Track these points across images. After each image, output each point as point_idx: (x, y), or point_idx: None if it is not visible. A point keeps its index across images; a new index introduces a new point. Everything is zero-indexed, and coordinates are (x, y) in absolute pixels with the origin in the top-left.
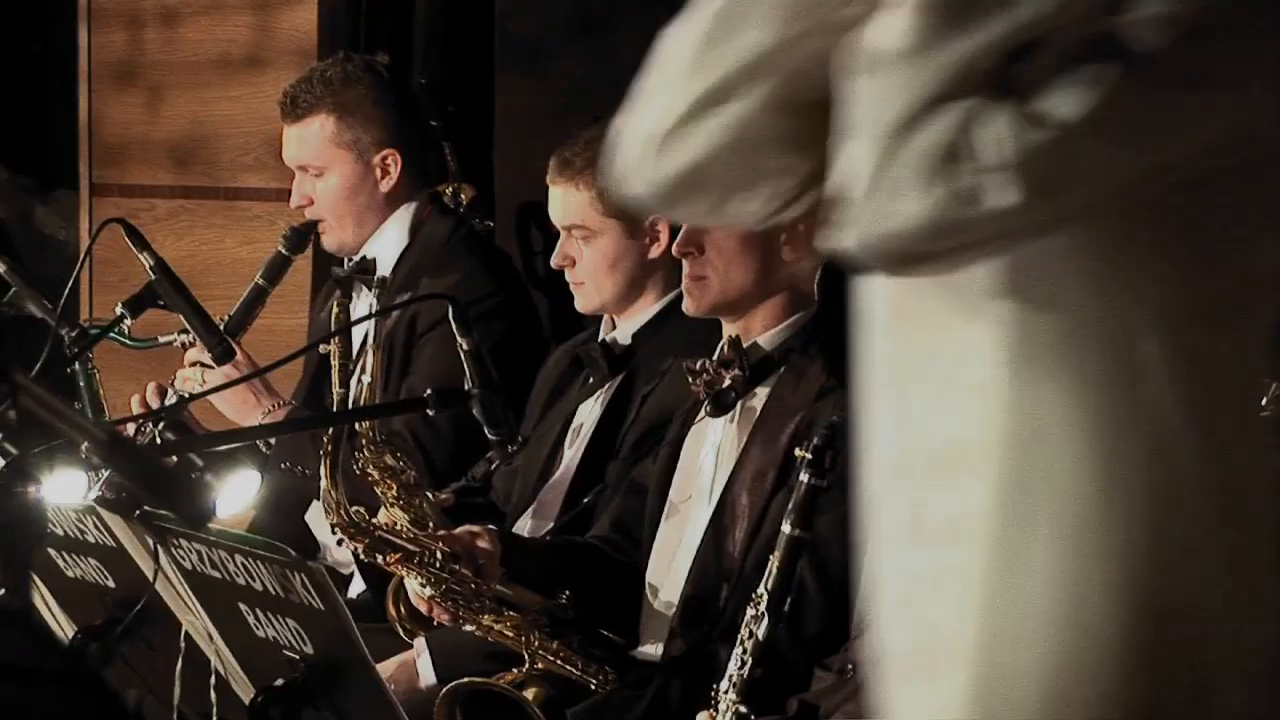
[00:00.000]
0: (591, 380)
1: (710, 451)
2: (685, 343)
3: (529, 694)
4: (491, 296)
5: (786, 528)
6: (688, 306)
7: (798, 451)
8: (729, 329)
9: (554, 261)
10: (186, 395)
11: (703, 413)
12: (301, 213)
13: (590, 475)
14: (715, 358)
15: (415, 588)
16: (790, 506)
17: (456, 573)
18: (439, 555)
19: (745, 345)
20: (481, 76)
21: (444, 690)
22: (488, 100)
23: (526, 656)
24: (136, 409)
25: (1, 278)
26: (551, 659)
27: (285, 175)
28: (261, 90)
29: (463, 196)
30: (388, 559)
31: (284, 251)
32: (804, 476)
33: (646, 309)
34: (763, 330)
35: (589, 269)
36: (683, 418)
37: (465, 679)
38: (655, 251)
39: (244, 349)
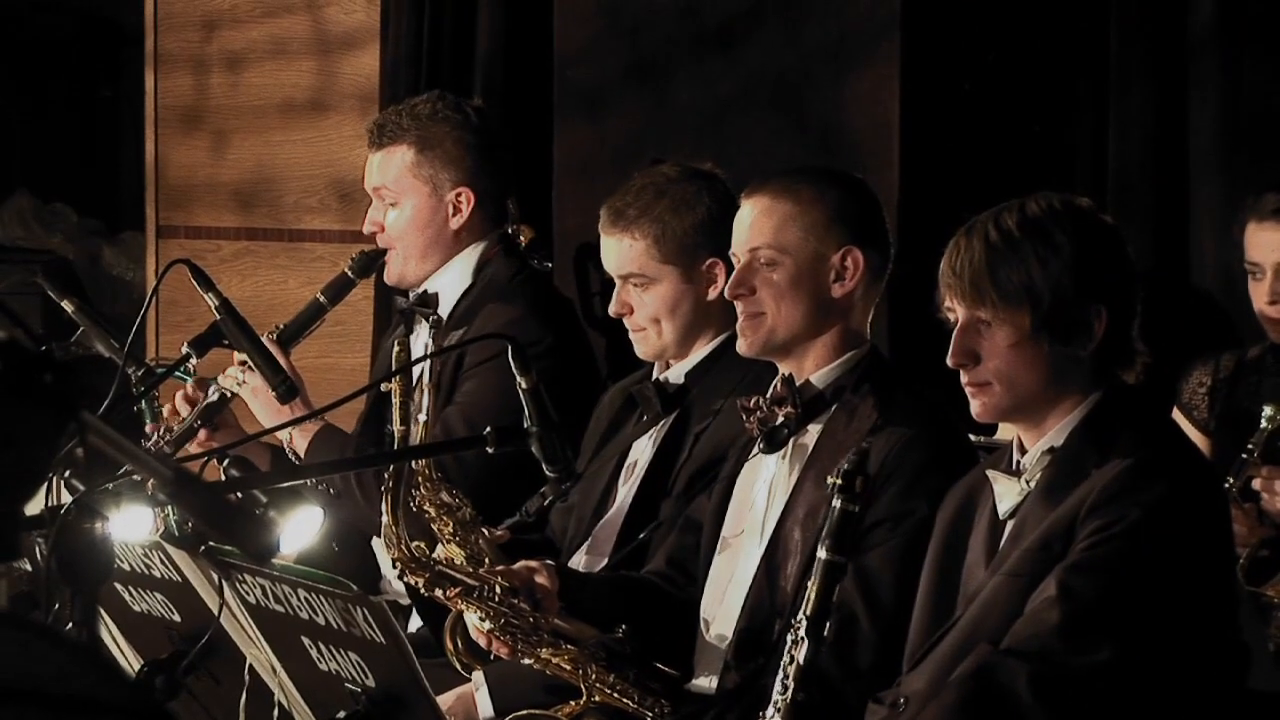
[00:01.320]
0: (645, 419)
1: (763, 488)
2: (738, 381)
3: None
4: (541, 340)
5: (822, 553)
6: (741, 347)
7: (829, 479)
8: (783, 368)
9: (612, 311)
10: (229, 394)
11: (756, 449)
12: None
13: (643, 511)
14: (769, 395)
15: (475, 621)
16: (825, 532)
17: (515, 606)
18: (498, 590)
19: (798, 383)
20: (541, 121)
21: None
22: (546, 144)
23: (584, 689)
24: (181, 405)
25: (70, 317)
26: (608, 692)
27: (347, 218)
28: (324, 134)
29: (522, 238)
30: (447, 593)
31: (349, 273)
32: (836, 502)
33: (700, 350)
34: (815, 369)
35: (648, 316)
36: (737, 454)
37: (524, 711)
38: (712, 293)
39: (296, 370)
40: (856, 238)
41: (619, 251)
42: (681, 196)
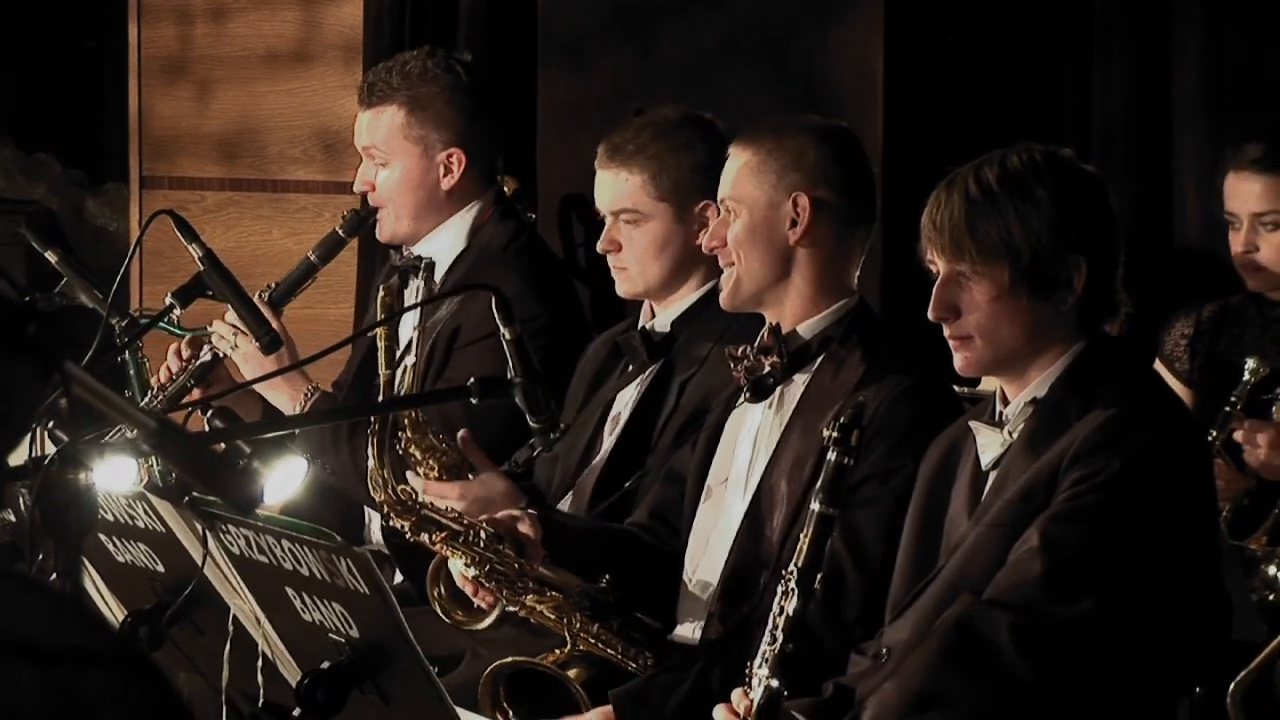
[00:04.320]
0: (630, 368)
1: (748, 437)
2: (724, 328)
3: (571, 674)
4: (538, 318)
5: (816, 505)
6: (721, 299)
7: (825, 431)
8: (769, 318)
9: (600, 246)
10: (221, 354)
11: (742, 399)
12: (348, 205)
13: (627, 461)
14: (756, 344)
15: (459, 568)
16: (819, 485)
17: (500, 553)
18: (483, 536)
19: (784, 333)
20: (524, 72)
21: (488, 670)
22: (530, 95)
23: (567, 637)
24: (172, 360)
25: (54, 268)
26: (592, 641)
27: (332, 168)
28: (308, 85)
29: (506, 189)
30: (433, 538)
31: (340, 232)
32: (831, 455)
33: (686, 296)
34: (799, 319)
35: (636, 253)
36: (723, 404)
37: (509, 659)
38: (702, 238)
39: (286, 330)
40: (810, 182)
41: (614, 186)
42: (680, 138)
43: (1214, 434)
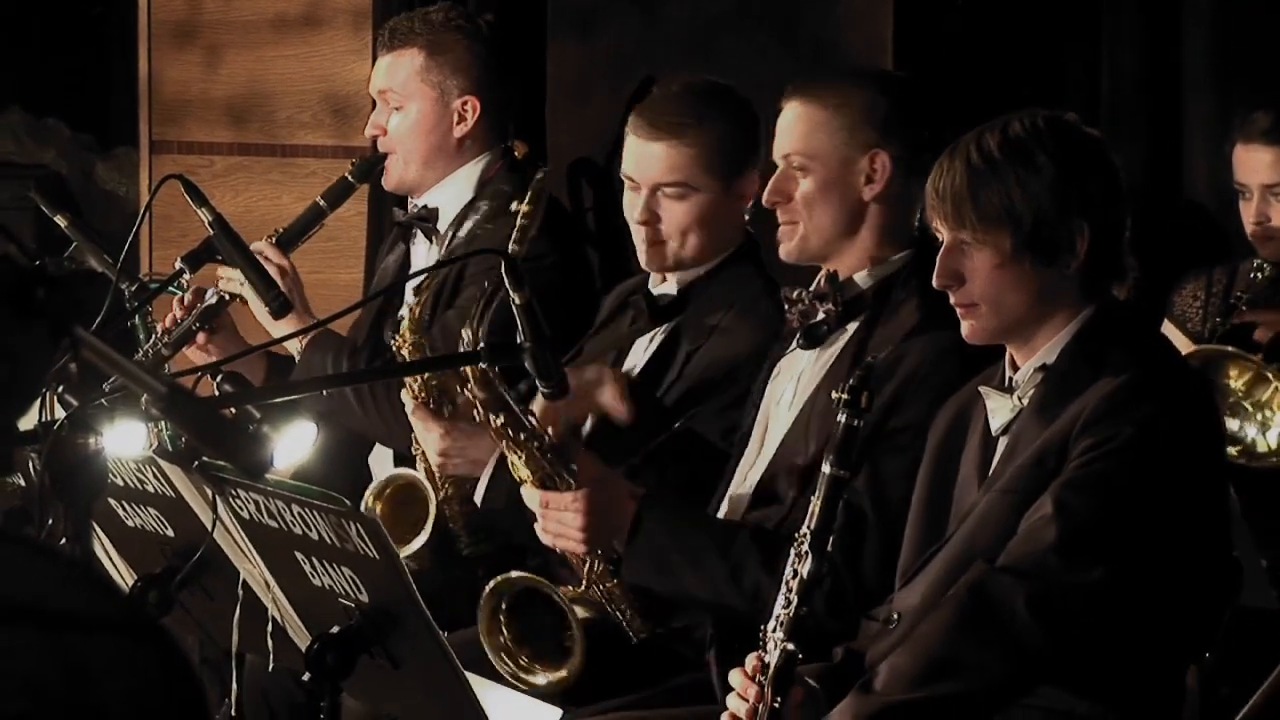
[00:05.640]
0: (637, 324)
1: (791, 383)
2: (734, 299)
3: (579, 610)
4: (545, 256)
5: (827, 468)
6: (783, 252)
7: (834, 394)
8: (826, 266)
9: (637, 218)
10: (227, 296)
11: (794, 344)
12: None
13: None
14: (812, 290)
15: (517, 464)
16: (829, 446)
17: (554, 466)
18: (547, 443)
19: (841, 280)
20: (534, 40)
21: (497, 579)
22: (540, 63)
23: (583, 578)
24: (176, 311)
25: (63, 233)
26: (603, 590)
27: (340, 133)
28: (318, 49)
29: (516, 153)
30: (498, 421)
31: (349, 178)
32: (841, 417)
33: (707, 263)
34: (856, 268)
35: (678, 226)
36: (767, 363)
37: (520, 574)
38: (742, 210)
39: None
40: (884, 139)
41: (663, 157)
42: (727, 109)
43: (1218, 320)
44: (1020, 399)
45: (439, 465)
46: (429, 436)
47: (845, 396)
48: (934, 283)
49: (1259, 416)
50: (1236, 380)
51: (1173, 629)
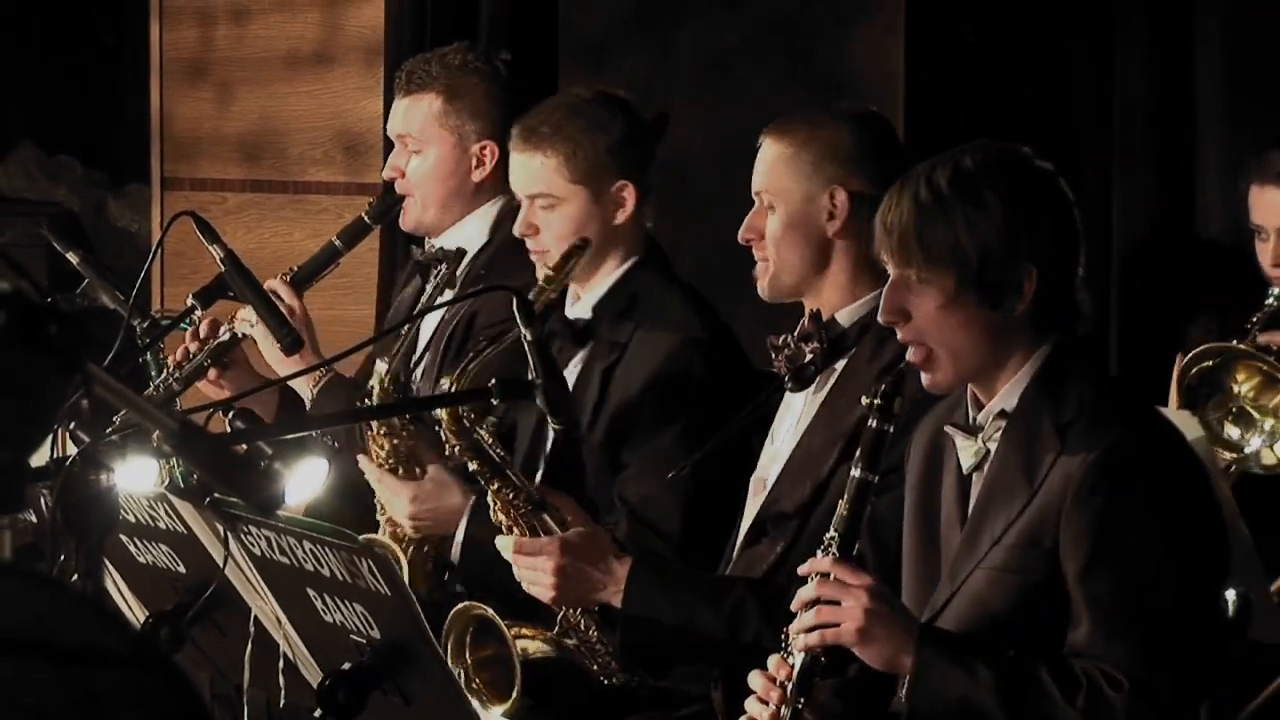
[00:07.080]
0: (563, 353)
1: (790, 424)
2: (643, 313)
3: (529, 647)
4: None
5: (856, 471)
6: (759, 290)
7: (864, 399)
8: (808, 305)
9: (517, 230)
10: (239, 335)
11: (786, 388)
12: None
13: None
14: (796, 332)
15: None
16: (859, 451)
17: (543, 520)
18: (524, 497)
19: (824, 320)
20: (545, 72)
21: (462, 606)
22: (551, 94)
23: (558, 624)
24: (189, 344)
25: (75, 269)
26: (577, 642)
27: (352, 170)
28: (330, 86)
29: None
30: (478, 466)
31: (366, 219)
32: (872, 421)
33: (605, 279)
34: (837, 306)
35: (554, 237)
36: (756, 404)
37: (484, 609)
38: (620, 217)
39: (306, 311)
40: (847, 174)
41: (528, 169)
42: (595, 117)
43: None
44: (985, 442)
45: (412, 528)
46: (397, 500)
47: (877, 401)
48: (880, 317)
49: (1266, 425)
50: (1244, 384)
51: (1204, 685)
